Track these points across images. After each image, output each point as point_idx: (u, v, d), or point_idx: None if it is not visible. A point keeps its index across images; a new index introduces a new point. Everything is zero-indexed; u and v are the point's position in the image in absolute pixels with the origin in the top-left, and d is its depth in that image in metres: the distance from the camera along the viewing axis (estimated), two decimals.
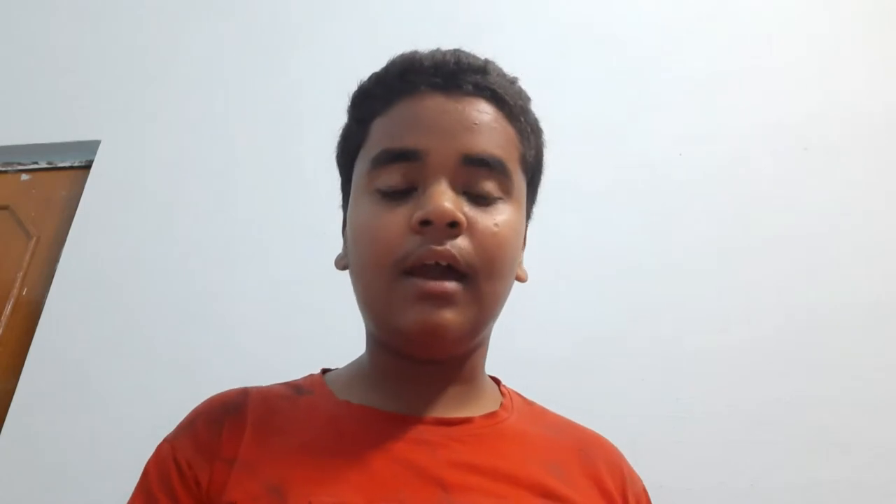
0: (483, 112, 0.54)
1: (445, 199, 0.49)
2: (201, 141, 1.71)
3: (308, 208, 1.51)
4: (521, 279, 0.58)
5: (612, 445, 0.62)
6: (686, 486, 1.12)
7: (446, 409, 0.55)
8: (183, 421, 0.56)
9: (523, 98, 0.59)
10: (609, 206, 1.41)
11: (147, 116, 1.78)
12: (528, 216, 0.61)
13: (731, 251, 1.32)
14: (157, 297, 1.52)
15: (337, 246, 0.63)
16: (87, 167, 1.77)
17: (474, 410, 0.56)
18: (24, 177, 1.85)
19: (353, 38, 1.74)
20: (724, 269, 1.31)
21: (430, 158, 0.51)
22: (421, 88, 0.54)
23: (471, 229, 0.50)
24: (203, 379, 1.28)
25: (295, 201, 1.56)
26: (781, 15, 1.55)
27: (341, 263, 0.61)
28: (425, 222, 0.49)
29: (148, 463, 0.54)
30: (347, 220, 0.57)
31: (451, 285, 0.49)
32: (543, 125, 0.62)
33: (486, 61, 0.57)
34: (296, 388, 0.59)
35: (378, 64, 0.61)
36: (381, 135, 0.55)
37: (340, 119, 0.63)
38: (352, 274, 0.57)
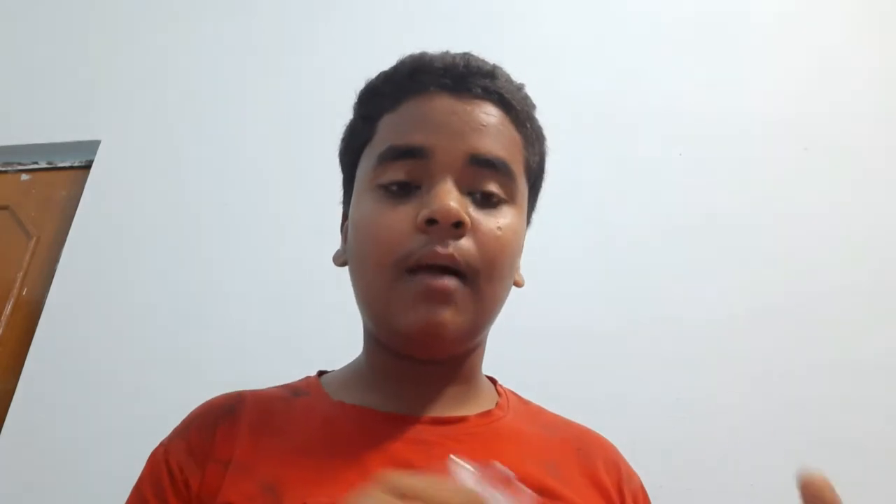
0: (490, 115, 0.54)
1: (451, 198, 0.50)
2: (201, 141, 1.71)
3: (308, 208, 1.51)
4: (518, 284, 0.58)
5: (609, 443, 0.62)
6: (686, 486, 1.12)
7: (442, 408, 0.56)
8: (178, 425, 0.57)
9: (529, 104, 0.59)
10: (609, 206, 1.41)
11: (147, 116, 1.78)
12: (528, 222, 0.61)
13: (732, 251, 1.32)
14: (156, 297, 1.52)
15: (336, 245, 0.63)
16: (87, 167, 1.77)
17: (470, 410, 0.56)
18: (24, 177, 1.85)
19: (353, 38, 1.74)
20: (724, 269, 1.31)
21: (436, 157, 0.52)
22: (430, 88, 0.54)
23: (474, 230, 0.51)
24: (203, 379, 1.29)
25: (295, 201, 1.56)
26: (781, 15, 1.55)
27: (340, 260, 0.61)
28: (431, 221, 0.49)
29: (144, 467, 0.55)
30: (349, 217, 0.57)
31: (451, 282, 0.49)
32: (543, 124, 0.62)
33: (495, 66, 0.58)
34: (291, 390, 0.59)
35: (378, 64, 0.61)
36: (388, 132, 0.55)
37: (341, 119, 0.63)
38: (352, 271, 0.57)
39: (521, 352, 1.14)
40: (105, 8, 2.00)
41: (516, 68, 0.61)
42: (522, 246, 0.56)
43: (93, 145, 1.78)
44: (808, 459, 1.13)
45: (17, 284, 1.69)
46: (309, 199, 1.50)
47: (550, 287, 1.28)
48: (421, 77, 0.55)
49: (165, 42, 1.89)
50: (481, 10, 1.69)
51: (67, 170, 1.83)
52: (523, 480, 0.51)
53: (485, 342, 0.60)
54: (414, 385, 0.56)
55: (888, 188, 1.33)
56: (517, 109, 0.57)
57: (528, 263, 0.61)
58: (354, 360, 0.62)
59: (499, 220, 0.52)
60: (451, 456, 0.38)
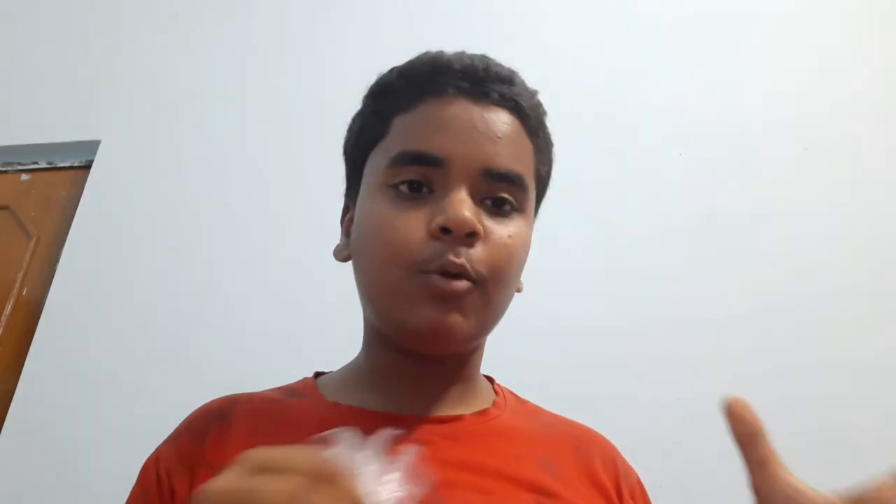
0: (506, 124, 0.54)
1: (466, 208, 0.50)
2: (201, 141, 1.71)
3: (308, 208, 1.51)
4: (518, 290, 0.59)
5: (606, 440, 0.62)
6: (686, 486, 1.12)
7: (439, 407, 0.56)
8: (173, 431, 0.58)
9: (542, 112, 0.60)
10: (609, 206, 1.41)
11: (147, 116, 1.79)
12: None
13: (732, 251, 1.32)
14: (156, 297, 1.52)
15: (336, 243, 0.63)
16: (87, 167, 1.77)
17: (467, 409, 0.57)
18: (24, 177, 1.85)
19: (353, 38, 1.74)
20: (724, 269, 1.31)
21: (452, 166, 0.51)
22: (448, 91, 0.54)
23: (485, 239, 0.51)
24: (203, 379, 1.29)
25: (295, 201, 1.56)
26: (781, 15, 1.55)
27: (342, 254, 0.60)
28: (445, 230, 0.49)
29: (139, 472, 0.56)
30: (358, 214, 0.57)
31: (462, 284, 0.50)
32: None
33: (512, 71, 0.58)
34: (286, 392, 0.59)
35: (378, 64, 0.61)
36: (403, 133, 0.54)
37: (341, 119, 0.63)
38: (357, 267, 0.56)
39: (521, 352, 1.14)
40: (105, 8, 2.00)
41: (516, 68, 0.61)
42: (528, 253, 0.57)
43: (93, 145, 1.78)
44: (808, 460, 1.13)
45: (17, 284, 1.69)
46: (309, 199, 1.50)
47: (550, 287, 1.28)
48: (439, 78, 0.55)
49: (165, 42, 1.89)
50: (481, 10, 1.69)
51: (67, 170, 1.83)
52: (520, 479, 0.51)
53: (484, 342, 0.60)
54: (413, 383, 0.56)
55: (888, 188, 1.33)
56: (531, 118, 0.57)
57: (528, 263, 0.61)
58: (352, 361, 0.62)
59: (509, 229, 0.53)
60: (339, 428, 0.38)
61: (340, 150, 0.64)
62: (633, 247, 1.36)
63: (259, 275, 1.50)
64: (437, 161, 0.52)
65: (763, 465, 0.39)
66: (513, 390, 0.64)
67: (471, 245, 0.50)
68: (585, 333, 1.28)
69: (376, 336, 0.58)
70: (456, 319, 0.50)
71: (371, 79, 0.61)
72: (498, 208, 0.53)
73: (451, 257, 0.49)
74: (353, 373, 0.60)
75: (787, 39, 1.52)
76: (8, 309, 1.66)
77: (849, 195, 1.34)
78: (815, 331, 1.23)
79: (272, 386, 0.62)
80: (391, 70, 0.59)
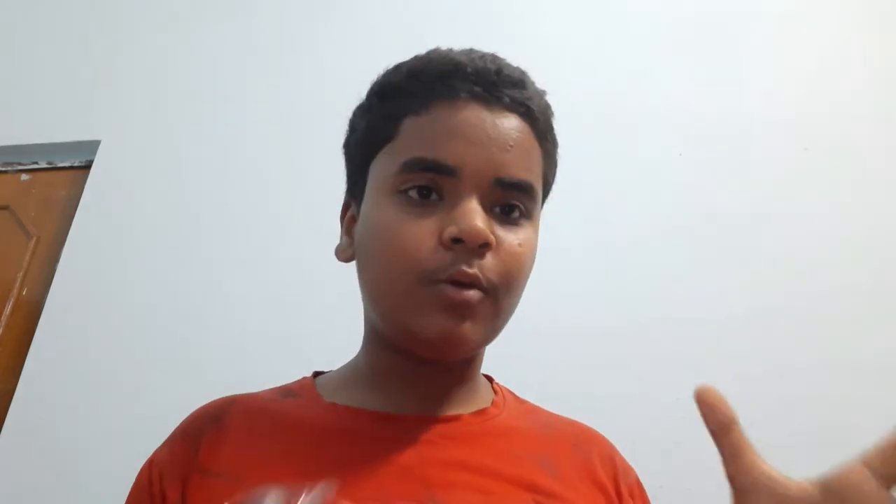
0: (518, 131, 0.54)
1: (478, 219, 0.49)
2: (201, 141, 1.71)
3: (308, 208, 1.51)
4: None
5: (605, 438, 0.62)
6: (686, 486, 1.12)
7: (438, 407, 0.56)
8: (169, 435, 0.58)
9: (550, 114, 0.59)
10: (609, 206, 1.41)
11: (147, 116, 1.79)
12: None
13: (732, 251, 1.32)
14: (156, 297, 1.52)
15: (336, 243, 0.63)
16: (87, 167, 1.77)
17: (466, 408, 0.56)
18: (24, 177, 1.85)
19: (353, 38, 1.74)
20: (724, 268, 1.31)
21: (464, 175, 0.51)
22: (461, 95, 0.53)
23: (497, 248, 0.51)
24: (203, 379, 1.29)
25: (295, 201, 1.56)
26: (781, 15, 1.55)
27: (345, 255, 0.59)
28: (457, 240, 0.49)
29: (136, 476, 0.56)
30: (364, 217, 0.56)
31: (474, 294, 0.49)
32: None
33: (523, 73, 0.57)
34: (283, 392, 0.59)
35: (378, 64, 0.60)
36: (414, 139, 0.53)
37: (341, 119, 0.62)
38: (364, 271, 0.56)
39: (521, 352, 1.14)
40: (105, 8, 2.00)
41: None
42: (536, 258, 0.57)
43: (93, 145, 1.78)
44: (808, 460, 1.13)
45: (17, 284, 1.69)
46: (309, 199, 1.50)
47: (550, 287, 1.27)
48: (451, 81, 0.54)
49: (165, 42, 1.89)
50: (481, 9, 1.69)
51: (67, 170, 1.83)
52: (518, 478, 0.51)
53: None
54: (413, 384, 0.56)
55: (888, 188, 1.33)
56: (541, 121, 0.57)
57: None
58: (351, 361, 0.62)
59: (519, 237, 0.53)
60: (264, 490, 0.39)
61: (340, 149, 0.63)
62: (634, 247, 1.36)
63: (259, 275, 1.50)
64: (450, 170, 0.51)
65: (737, 454, 0.40)
66: (512, 390, 0.64)
67: (482, 255, 0.50)
68: (586, 333, 1.28)
69: (377, 337, 0.57)
70: (467, 328, 0.50)
71: (371, 78, 0.59)
72: (507, 215, 0.53)
73: (464, 268, 0.49)
74: (352, 373, 0.60)
75: (787, 39, 1.52)
76: (8, 309, 1.66)
77: (849, 195, 1.34)
78: (814, 331, 1.23)
79: (272, 386, 0.62)
80: (398, 68, 0.58)
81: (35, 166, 1.86)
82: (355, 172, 0.60)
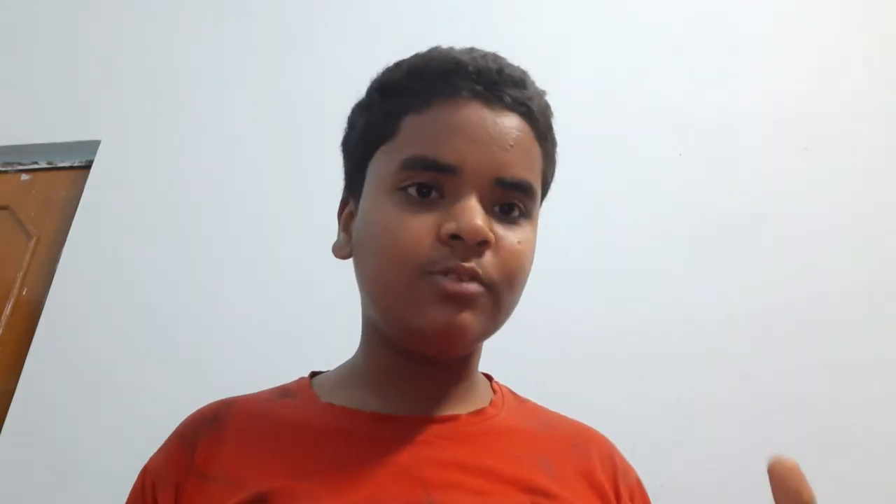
0: (519, 130, 0.54)
1: (477, 216, 0.49)
2: (201, 141, 1.71)
3: (308, 208, 1.51)
4: None
5: (605, 438, 0.62)
6: (686, 486, 1.12)
7: (436, 407, 0.55)
8: (166, 439, 0.58)
9: (550, 113, 0.59)
10: (609, 206, 1.41)
11: (147, 116, 1.79)
12: None
13: (732, 251, 1.32)
14: (156, 297, 1.52)
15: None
16: (87, 167, 1.77)
17: (464, 408, 0.56)
18: (24, 177, 1.85)
19: (353, 37, 1.74)
20: (724, 268, 1.31)
21: (464, 174, 0.51)
22: (462, 94, 0.53)
23: (495, 246, 0.51)
24: (203, 379, 1.29)
25: (295, 201, 1.56)
26: (782, 15, 1.55)
27: (343, 252, 0.59)
28: (455, 237, 0.49)
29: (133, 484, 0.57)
30: (362, 214, 0.56)
31: (473, 287, 0.49)
32: None
33: (524, 72, 0.57)
34: (280, 393, 0.59)
35: (378, 64, 0.60)
36: (415, 137, 0.53)
37: (341, 118, 0.62)
38: (362, 268, 0.56)
39: (520, 351, 1.14)
40: (105, 8, 2.00)
41: None
42: (535, 257, 0.57)
43: (93, 145, 1.78)
44: (808, 460, 1.13)
45: (17, 284, 1.69)
46: (309, 198, 1.50)
47: (550, 287, 1.27)
48: (452, 80, 0.54)
49: (165, 42, 1.90)
50: (481, 9, 1.69)
51: (67, 170, 1.83)
52: (516, 479, 0.51)
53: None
54: (411, 384, 0.56)
55: (888, 188, 1.33)
56: (541, 121, 0.57)
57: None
58: (349, 360, 0.61)
59: (518, 235, 0.53)
60: None
61: (339, 147, 0.63)
62: (633, 247, 1.36)
63: (259, 274, 1.50)
64: (450, 168, 0.51)
65: None
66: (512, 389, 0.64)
67: (481, 254, 0.50)
68: (586, 333, 1.28)
69: (376, 335, 0.57)
70: (466, 318, 0.49)
71: (371, 77, 0.59)
72: (507, 214, 0.53)
73: (461, 262, 0.49)
74: (350, 372, 0.59)
75: (788, 39, 1.52)
76: (8, 309, 1.66)
77: (849, 195, 1.34)
78: (815, 331, 1.23)
79: (272, 386, 0.62)
80: (398, 65, 0.58)
81: (35, 166, 1.86)
82: (354, 169, 0.59)
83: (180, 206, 1.63)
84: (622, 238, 1.37)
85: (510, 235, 0.52)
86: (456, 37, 0.65)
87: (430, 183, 0.52)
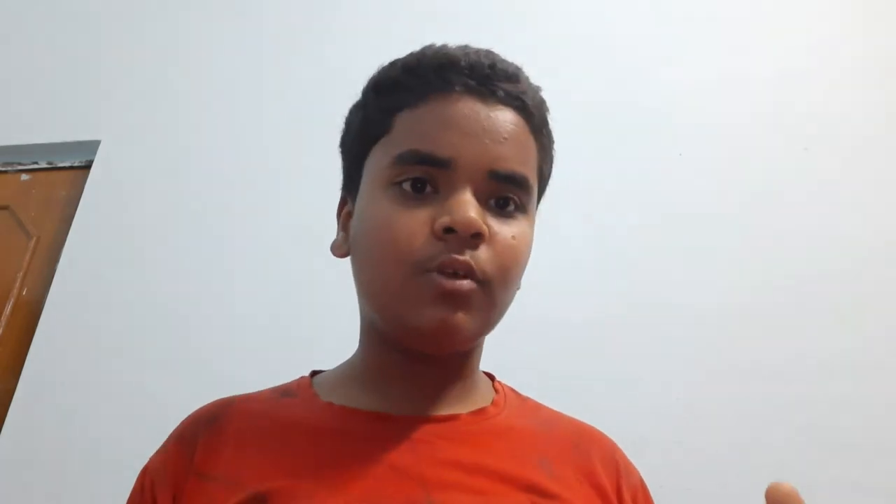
0: (512, 124, 0.54)
1: (471, 209, 0.50)
2: (201, 141, 1.71)
3: (309, 208, 1.50)
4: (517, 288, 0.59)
5: (608, 438, 0.62)
6: (686, 486, 1.12)
7: (435, 406, 0.55)
8: (165, 439, 0.58)
9: (545, 109, 0.59)
10: (608, 206, 1.41)
11: (147, 116, 1.79)
12: None
13: (732, 251, 1.32)
14: (156, 297, 1.52)
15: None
16: (87, 167, 1.77)
17: (465, 407, 0.56)
18: (24, 177, 1.85)
19: (355, 39, 1.74)
20: (724, 268, 1.31)
21: (458, 167, 0.51)
22: (456, 89, 0.54)
23: (490, 240, 0.51)
24: (203, 379, 1.29)
25: (296, 201, 1.56)
26: (782, 15, 1.55)
27: (341, 250, 0.59)
28: (449, 230, 0.49)
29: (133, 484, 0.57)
30: (358, 211, 0.56)
31: (468, 284, 0.49)
32: None
33: (518, 68, 0.57)
34: (280, 392, 0.59)
35: (381, 63, 0.60)
36: (409, 131, 0.54)
37: (342, 118, 0.63)
38: (358, 265, 0.56)
39: (520, 351, 1.14)
40: (105, 8, 2.00)
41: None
42: (531, 253, 0.57)
43: (93, 145, 1.78)
44: (808, 460, 1.13)
45: (17, 284, 1.69)
46: (310, 198, 1.50)
47: (549, 287, 1.28)
48: (446, 75, 0.54)
49: (165, 42, 1.90)
50: (481, 9, 1.69)
51: (67, 170, 1.83)
52: (516, 479, 0.51)
53: (483, 340, 0.60)
54: (410, 382, 0.56)
55: (888, 188, 1.33)
56: (536, 116, 0.57)
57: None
58: (349, 359, 0.61)
59: (513, 230, 0.53)
60: None
61: (338, 148, 0.63)
62: (633, 247, 1.36)
63: (259, 274, 1.50)
64: (444, 162, 0.51)
65: None
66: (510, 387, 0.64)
67: (475, 246, 0.50)
68: (585, 333, 1.28)
69: (374, 334, 0.57)
70: (460, 318, 0.50)
71: (385, 68, 0.60)
72: (502, 209, 0.53)
73: (456, 255, 0.49)
74: (349, 371, 0.60)
75: (788, 39, 1.52)
76: (8, 309, 1.66)
77: (849, 195, 1.34)
78: (815, 330, 1.22)
79: (272, 385, 0.61)
80: (393, 64, 0.59)
81: (35, 166, 1.86)
82: (351, 168, 0.60)
83: (180, 205, 1.63)
84: (621, 238, 1.37)
85: (505, 229, 0.52)
86: (456, 37, 0.65)
87: (425, 178, 0.52)
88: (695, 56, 1.54)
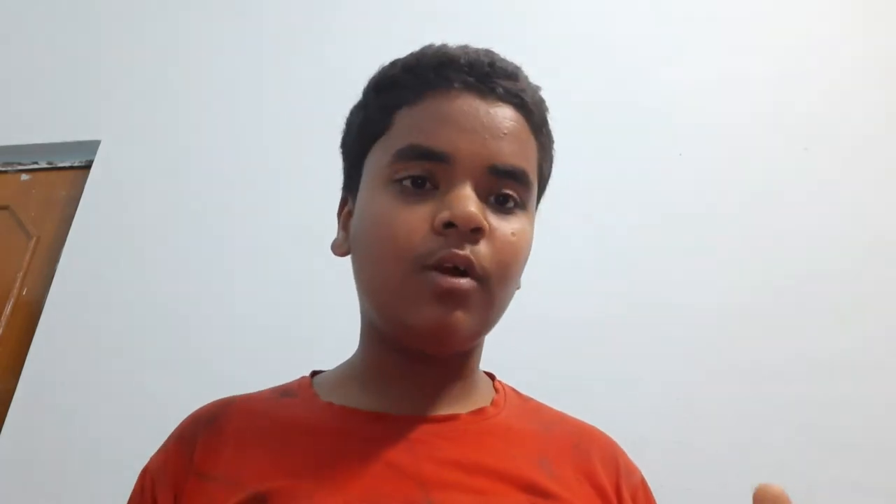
0: (512, 120, 0.54)
1: (471, 204, 0.50)
2: (201, 141, 1.71)
3: (308, 208, 1.50)
4: (517, 287, 0.59)
5: (609, 438, 0.62)
6: (686, 486, 1.12)
7: (435, 406, 0.55)
8: (165, 440, 0.58)
9: (545, 108, 0.60)
10: (608, 206, 1.41)
11: (147, 116, 1.79)
12: None
13: (732, 251, 1.32)
14: (156, 297, 1.52)
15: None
16: (87, 167, 1.77)
17: (464, 407, 0.56)
18: (24, 177, 1.85)
19: (355, 39, 1.74)
20: (724, 268, 1.31)
21: (457, 162, 0.51)
22: (455, 86, 0.54)
23: (490, 235, 0.51)
24: (203, 379, 1.29)
25: (295, 201, 1.56)
26: (782, 15, 1.55)
27: (341, 249, 0.59)
28: (449, 224, 0.49)
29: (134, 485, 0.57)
30: (359, 209, 0.56)
31: (467, 282, 0.49)
32: None
33: (517, 67, 0.58)
34: (281, 393, 0.59)
35: (381, 63, 0.60)
36: (408, 128, 0.54)
37: (342, 118, 0.63)
38: (358, 263, 0.56)
39: (520, 351, 1.14)
40: (105, 8, 2.00)
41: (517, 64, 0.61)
42: (531, 251, 0.57)
43: (93, 145, 1.78)
44: (808, 461, 1.13)
45: (17, 284, 1.69)
46: (310, 198, 1.50)
47: (549, 287, 1.28)
48: (445, 72, 0.54)
49: (165, 42, 1.90)
50: (481, 9, 1.69)
51: (67, 170, 1.83)
52: (515, 479, 0.51)
53: (483, 340, 0.60)
54: (410, 382, 0.55)
55: (888, 188, 1.33)
56: (535, 114, 0.57)
57: (528, 263, 0.61)
58: (349, 359, 0.61)
59: (513, 226, 0.53)
60: None
61: (338, 149, 0.63)
62: (633, 247, 1.36)
63: (260, 274, 1.50)
64: (443, 156, 0.51)
65: None
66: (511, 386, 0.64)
67: (475, 241, 0.50)
68: (585, 334, 1.28)
69: (374, 333, 0.57)
70: (459, 317, 0.49)
71: (385, 68, 0.60)
72: (502, 205, 0.53)
73: (455, 250, 0.49)
74: (349, 371, 0.60)
75: (788, 39, 1.52)
76: (8, 309, 1.66)
77: (849, 195, 1.34)
78: (816, 331, 1.22)
79: (272, 385, 0.62)
80: (393, 63, 0.59)
81: (35, 166, 1.85)
82: (351, 167, 0.60)
83: (180, 205, 1.63)
84: (621, 239, 1.37)
85: (504, 226, 0.52)
86: (457, 37, 0.65)
87: (424, 175, 0.52)
88: (695, 56, 1.54)
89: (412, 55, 0.58)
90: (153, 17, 1.95)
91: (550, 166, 0.62)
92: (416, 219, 0.50)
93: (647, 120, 1.48)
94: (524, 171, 0.54)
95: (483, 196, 0.52)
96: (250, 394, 0.60)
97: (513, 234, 0.52)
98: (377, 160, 0.55)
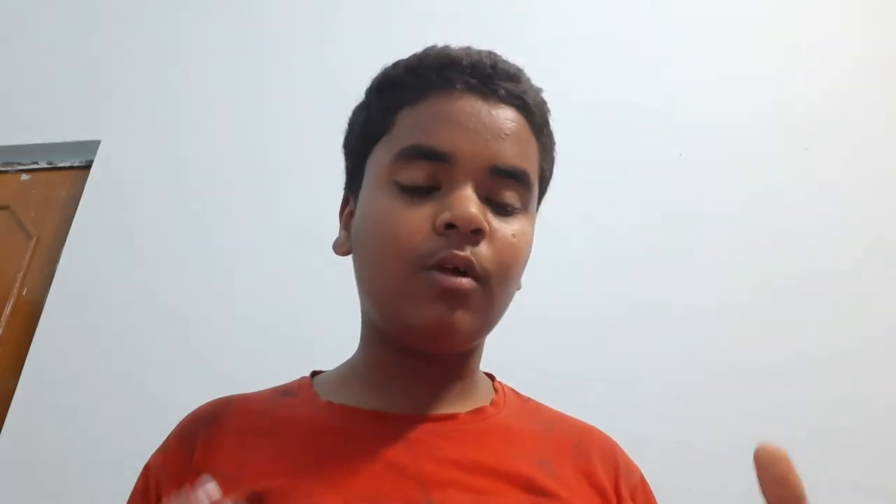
0: (513, 121, 0.54)
1: (472, 205, 0.50)
2: (201, 141, 1.71)
3: (308, 208, 1.50)
4: (517, 288, 0.59)
5: (608, 438, 0.62)
6: (686, 486, 1.11)
7: (435, 405, 0.55)
8: (165, 439, 0.58)
9: (546, 110, 0.60)
10: (608, 206, 1.41)
11: (147, 116, 1.79)
12: None
13: (732, 251, 1.32)
14: (156, 297, 1.52)
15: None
16: (87, 167, 1.77)
17: (463, 407, 0.56)
18: (24, 177, 1.85)
19: (355, 39, 1.74)
20: (724, 268, 1.31)
21: (458, 162, 0.51)
22: (457, 87, 0.54)
23: (490, 237, 0.51)
24: (203, 379, 1.29)
25: (295, 201, 1.56)
26: (782, 15, 1.55)
27: (343, 249, 0.60)
28: (450, 225, 0.49)
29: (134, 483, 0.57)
30: (360, 208, 0.57)
31: (467, 282, 0.50)
32: None
33: (519, 69, 0.58)
34: (281, 392, 0.59)
35: (378, 64, 0.60)
36: (410, 128, 0.54)
37: (343, 118, 0.63)
38: (359, 262, 0.56)
39: (520, 351, 1.14)
40: (105, 8, 2.00)
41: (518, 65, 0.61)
42: (531, 252, 0.57)
43: (93, 145, 1.78)
44: (808, 461, 1.13)
45: (17, 284, 1.69)
46: (310, 198, 1.50)
47: (549, 287, 1.28)
48: (447, 73, 0.55)
49: (165, 42, 1.90)
50: (481, 9, 1.69)
51: (67, 170, 1.83)
52: (514, 478, 0.51)
53: (483, 340, 0.60)
54: (410, 381, 0.56)
55: (889, 188, 1.33)
56: (537, 115, 0.57)
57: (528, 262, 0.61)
58: (350, 358, 0.62)
59: (514, 227, 0.53)
60: (204, 475, 0.39)
61: (341, 150, 0.64)
62: (633, 247, 1.36)
63: (260, 274, 1.50)
64: (444, 156, 0.51)
65: None
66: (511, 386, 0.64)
67: (476, 243, 0.50)
68: (585, 334, 1.28)
69: (375, 333, 0.57)
70: (460, 317, 0.50)
71: (388, 68, 0.60)
72: (503, 207, 0.53)
73: (456, 251, 0.49)
74: (350, 370, 0.60)
75: (788, 39, 1.52)
76: (8, 309, 1.66)
77: (849, 195, 1.34)
78: (816, 331, 1.22)
79: (273, 385, 0.62)
80: (396, 64, 0.59)
81: (35, 166, 1.85)
82: (353, 167, 0.60)
83: (180, 206, 1.63)
84: (621, 239, 1.37)
85: (505, 227, 0.52)
86: (457, 37, 0.65)
87: (426, 181, 0.52)
88: (695, 56, 1.54)
89: (415, 56, 0.58)
90: (153, 17, 1.95)
91: (551, 168, 0.62)
92: (418, 219, 0.50)
93: (647, 120, 1.48)
94: (525, 171, 0.54)
95: (484, 197, 0.52)
96: (250, 393, 0.60)
97: (513, 235, 0.52)
98: (379, 160, 0.55)
